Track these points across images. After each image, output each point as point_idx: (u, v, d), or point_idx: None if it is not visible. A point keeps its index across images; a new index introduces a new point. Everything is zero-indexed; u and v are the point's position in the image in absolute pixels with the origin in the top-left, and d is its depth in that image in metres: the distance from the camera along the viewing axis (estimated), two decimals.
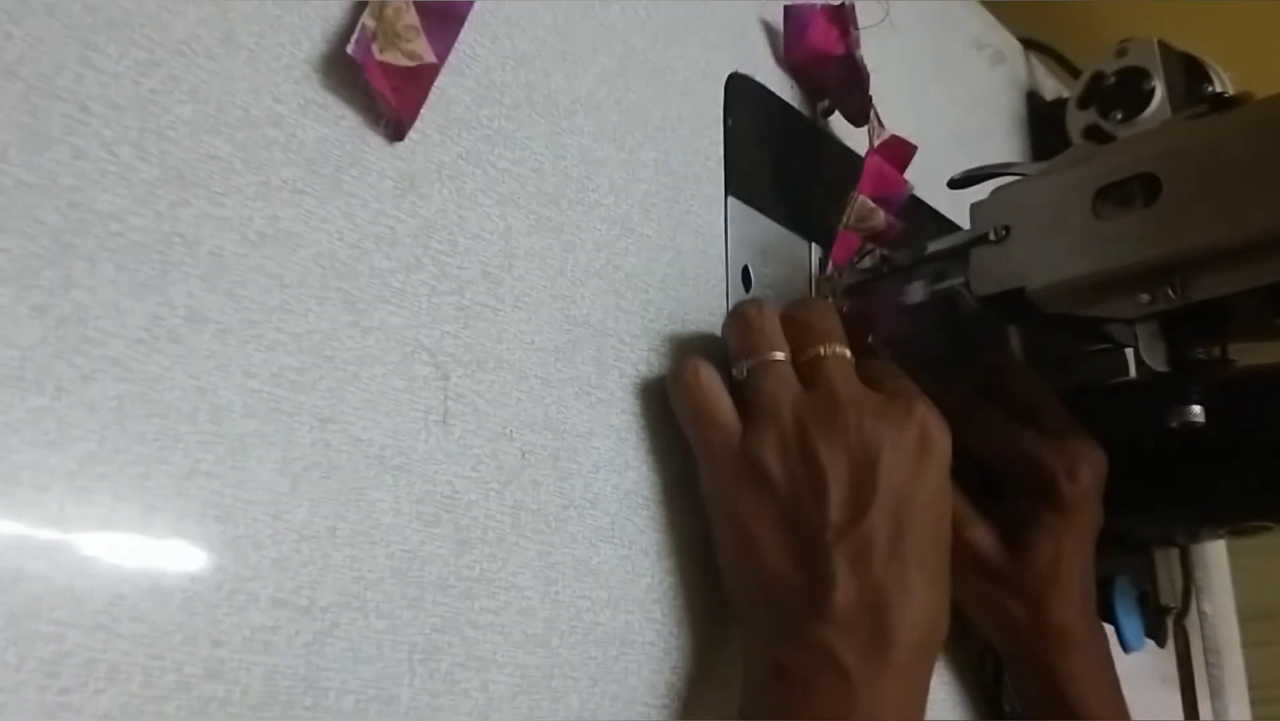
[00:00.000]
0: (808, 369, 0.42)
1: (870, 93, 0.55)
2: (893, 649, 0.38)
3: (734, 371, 0.42)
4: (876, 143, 0.54)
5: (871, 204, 0.53)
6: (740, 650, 0.41)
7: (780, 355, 0.42)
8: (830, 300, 0.52)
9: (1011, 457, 0.52)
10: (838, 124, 0.58)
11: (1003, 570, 0.51)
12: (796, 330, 0.43)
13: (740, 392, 0.42)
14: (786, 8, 0.56)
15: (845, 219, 0.53)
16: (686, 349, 0.46)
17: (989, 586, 0.51)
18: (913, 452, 0.40)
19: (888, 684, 0.38)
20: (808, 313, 0.43)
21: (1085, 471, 0.51)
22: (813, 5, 0.55)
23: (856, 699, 0.37)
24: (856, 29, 0.55)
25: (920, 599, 0.39)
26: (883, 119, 0.55)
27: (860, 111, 0.56)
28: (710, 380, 0.42)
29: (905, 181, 0.54)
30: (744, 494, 0.40)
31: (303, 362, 0.33)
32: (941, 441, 0.41)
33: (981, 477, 0.53)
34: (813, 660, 0.37)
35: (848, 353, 0.42)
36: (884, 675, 0.37)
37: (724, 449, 0.41)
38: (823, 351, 0.42)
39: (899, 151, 0.55)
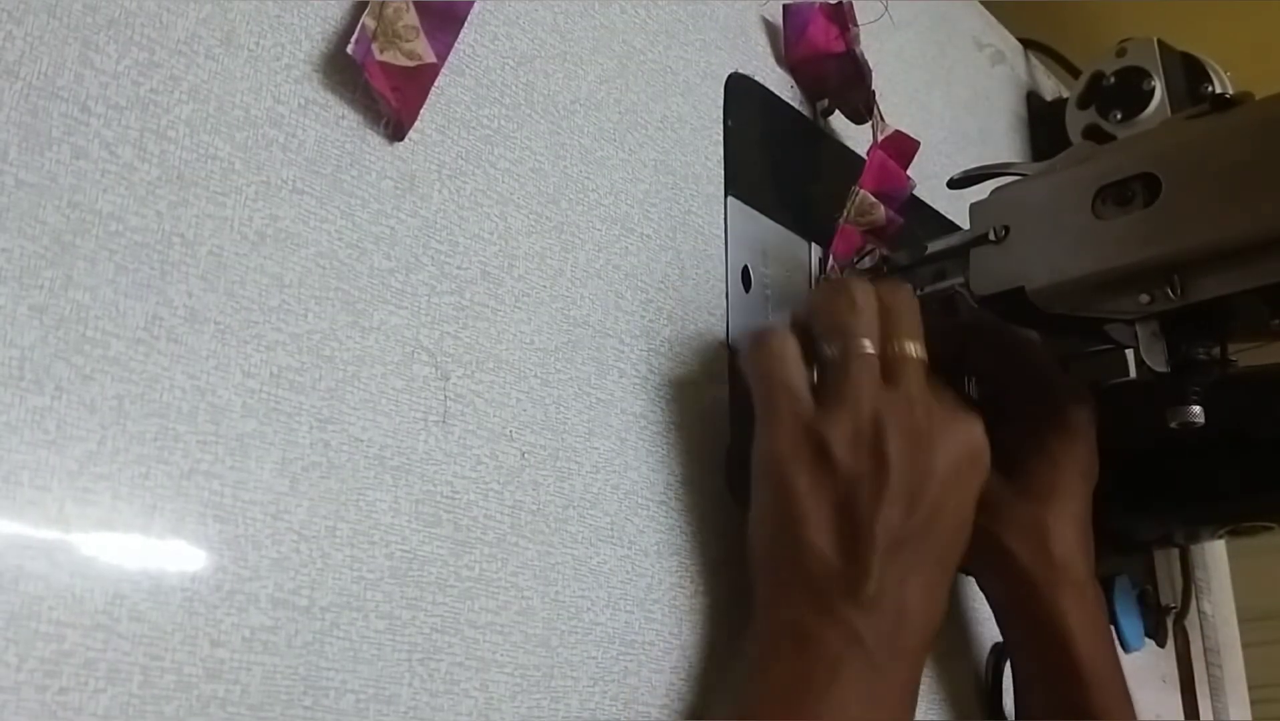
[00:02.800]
0: (890, 363, 0.43)
1: (873, 88, 0.55)
2: (907, 639, 0.40)
3: (827, 349, 0.43)
4: (880, 137, 0.54)
5: (872, 198, 0.53)
6: (752, 610, 0.42)
7: (872, 348, 0.43)
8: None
9: (1029, 372, 0.53)
10: (838, 124, 0.58)
11: (1001, 501, 0.51)
12: (884, 317, 0.44)
13: (822, 369, 0.43)
14: (785, 7, 0.56)
15: (846, 213, 0.53)
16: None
17: (988, 523, 0.51)
18: (962, 467, 0.42)
19: (900, 674, 0.40)
20: (897, 301, 0.44)
21: (1091, 402, 0.52)
22: (811, 3, 0.55)
23: (876, 683, 0.39)
24: (855, 25, 0.55)
25: (934, 598, 0.42)
26: (884, 116, 0.55)
27: (862, 108, 0.56)
28: (794, 350, 0.43)
29: (908, 178, 0.54)
30: (803, 467, 0.41)
31: (302, 363, 0.33)
32: (983, 463, 0.44)
33: (988, 406, 0.53)
34: (842, 638, 0.39)
35: (925, 355, 0.44)
36: (899, 662, 0.40)
37: (793, 418, 0.42)
38: (908, 350, 0.43)
39: (902, 146, 0.55)
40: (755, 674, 0.40)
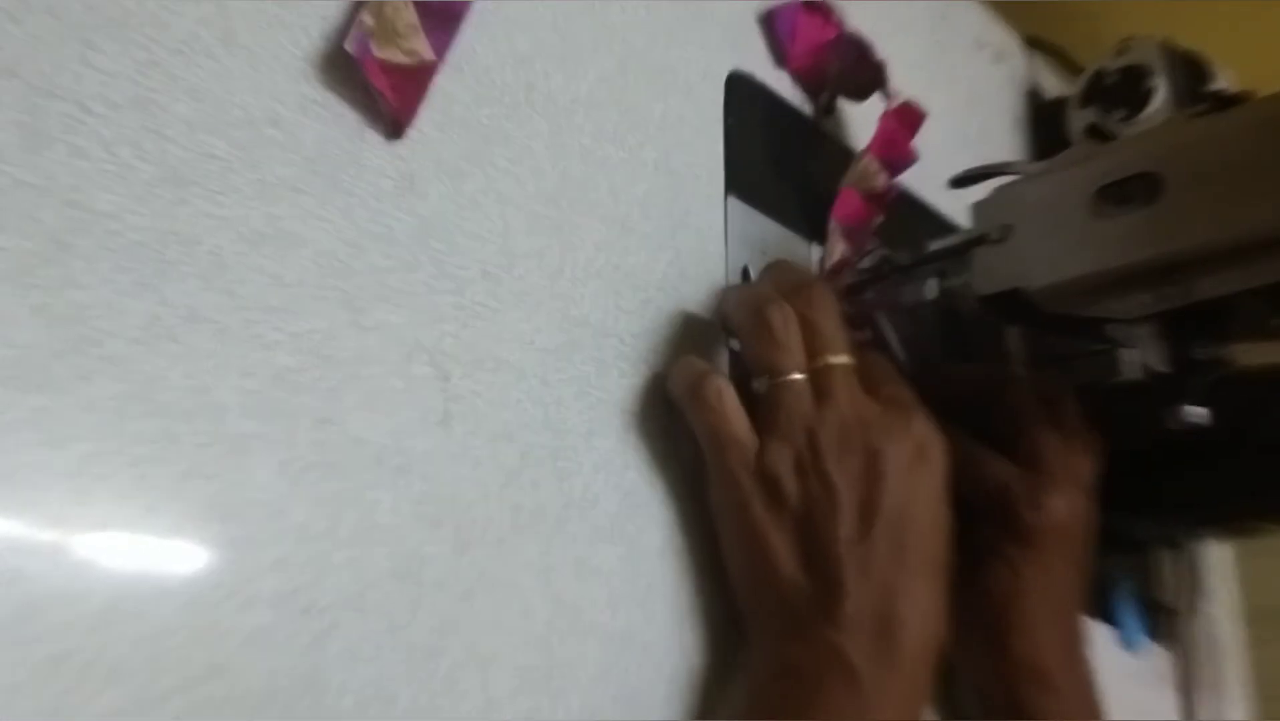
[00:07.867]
0: (816, 377, 0.43)
1: (880, 59, 0.55)
2: (898, 651, 0.39)
3: (755, 384, 0.44)
4: (892, 106, 0.54)
5: (877, 165, 0.53)
6: (744, 658, 0.42)
7: (800, 376, 0.43)
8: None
9: (978, 481, 0.49)
10: (838, 124, 0.58)
11: (958, 599, 0.47)
12: (807, 333, 0.44)
13: (756, 402, 0.43)
14: (768, 13, 0.55)
15: (849, 175, 0.53)
16: (691, 352, 0.46)
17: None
18: (911, 463, 0.42)
19: (893, 685, 0.39)
20: (816, 314, 0.44)
21: (1056, 503, 0.49)
22: (790, 3, 0.55)
23: (864, 698, 0.38)
24: (834, 8, 0.55)
25: (922, 604, 0.41)
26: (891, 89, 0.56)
27: (869, 82, 0.56)
28: (731, 399, 0.43)
29: (913, 149, 0.55)
30: (759, 507, 0.42)
31: (301, 362, 0.33)
32: (936, 451, 0.43)
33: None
34: (822, 659, 0.39)
35: (850, 360, 0.44)
36: (890, 677, 0.39)
37: (741, 466, 0.42)
38: (830, 362, 0.43)
39: (911, 117, 0.55)
40: (746, 709, 0.40)
